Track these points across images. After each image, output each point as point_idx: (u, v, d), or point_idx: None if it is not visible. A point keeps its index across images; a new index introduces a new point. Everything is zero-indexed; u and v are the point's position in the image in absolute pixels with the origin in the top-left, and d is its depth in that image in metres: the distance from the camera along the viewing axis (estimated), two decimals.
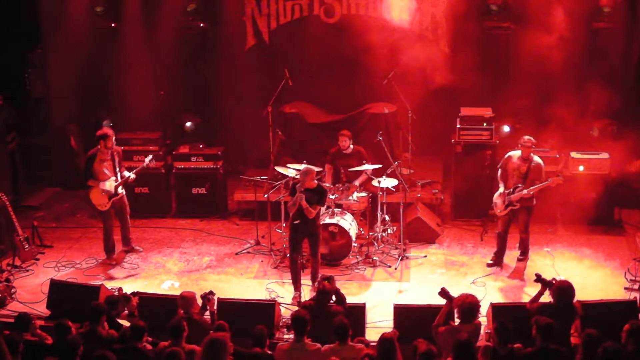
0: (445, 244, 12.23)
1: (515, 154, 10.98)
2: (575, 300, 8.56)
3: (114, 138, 11.42)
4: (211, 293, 9.05)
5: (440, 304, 8.61)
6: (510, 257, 11.34)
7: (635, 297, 9.92)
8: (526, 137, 10.89)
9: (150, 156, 11.93)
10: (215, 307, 9.10)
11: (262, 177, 12.19)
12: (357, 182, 11.80)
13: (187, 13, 14.15)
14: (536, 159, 10.90)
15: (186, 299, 8.79)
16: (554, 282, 8.68)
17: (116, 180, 11.38)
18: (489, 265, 11.30)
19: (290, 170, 11.63)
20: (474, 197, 12.57)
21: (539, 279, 8.82)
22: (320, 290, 8.94)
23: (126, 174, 11.48)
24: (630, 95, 13.26)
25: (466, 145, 12.81)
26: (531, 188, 10.70)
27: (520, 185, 10.80)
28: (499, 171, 11.16)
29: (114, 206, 11.50)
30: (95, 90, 14.24)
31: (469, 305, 8.21)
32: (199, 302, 8.96)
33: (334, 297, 9.05)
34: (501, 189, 11.02)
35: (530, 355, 7.66)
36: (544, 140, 12.71)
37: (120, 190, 11.48)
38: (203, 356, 7.32)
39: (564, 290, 8.46)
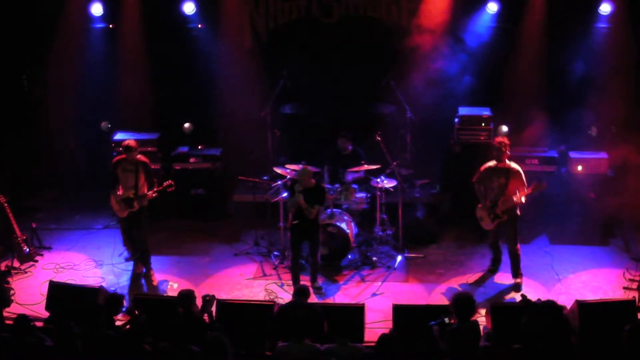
0: (444, 243, 12.23)
1: (491, 164, 10.65)
2: (566, 311, 8.51)
3: (137, 150, 11.06)
4: (213, 297, 9.04)
5: (439, 304, 8.59)
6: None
7: (634, 297, 9.93)
8: (498, 140, 10.61)
9: (171, 182, 11.23)
10: (213, 307, 9.08)
11: (260, 178, 12.18)
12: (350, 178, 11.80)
13: (186, 14, 14.14)
14: (513, 165, 10.54)
15: (185, 296, 8.80)
16: (539, 302, 8.49)
17: (133, 194, 11.04)
18: (490, 272, 11.17)
19: (289, 171, 11.63)
20: (473, 197, 12.53)
21: (524, 300, 8.65)
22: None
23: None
24: (629, 95, 13.25)
25: (465, 145, 12.81)
26: (519, 196, 10.36)
27: (502, 197, 10.46)
28: (476, 185, 10.81)
29: (132, 217, 11.17)
30: (93, 91, 14.22)
31: (464, 303, 8.18)
32: (199, 302, 8.96)
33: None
34: (483, 204, 10.74)
35: (528, 356, 7.65)
36: (542, 139, 12.74)
37: (138, 204, 11.01)
38: (204, 357, 7.29)
39: (550, 311, 8.25)
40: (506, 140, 10.63)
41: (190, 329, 8.00)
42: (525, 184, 10.47)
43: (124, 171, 11.07)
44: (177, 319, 8.25)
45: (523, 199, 10.44)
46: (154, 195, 11.05)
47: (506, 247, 10.84)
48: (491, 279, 11.06)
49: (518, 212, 10.61)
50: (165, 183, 11.16)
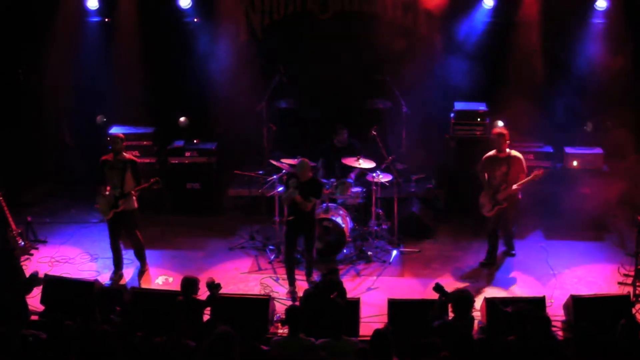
0: (439, 238, 12.24)
1: (491, 153, 10.92)
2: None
3: (120, 145, 10.77)
4: (218, 284, 9.08)
5: (434, 299, 8.61)
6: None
7: (628, 292, 9.96)
8: (497, 129, 10.90)
9: (157, 179, 11.05)
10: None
11: (256, 172, 12.18)
12: (352, 176, 11.82)
13: (181, 8, 14.12)
14: (514, 153, 10.84)
15: (190, 282, 8.87)
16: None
17: (120, 192, 10.71)
18: (482, 265, 11.23)
19: (285, 165, 11.64)
20: (468, 192, 12.57)
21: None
22: (326, 282, 8.94)
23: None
24: (625, 91, 13.27)
25: (460, 140, 12.82)
26: (518, 183, 10.68)
27: (504, 184, 10.75)
28: (480, 174, 11.06)
29: (118, 218, 10.87)
30: (89, 85, 14.20)
31: (463, 300, 8.22)
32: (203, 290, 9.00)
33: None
34: (487, 191, 10.99)
35: (523, 348, 7.66)
36: (538, 135, 12.75)
37: (123, 204, 10.72)
38: (210, 350, 7.16)
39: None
40: (503, 130, 10.85)
41: (189, 318, 8.00)
42: (526, 170, 10.75)
43: (111, 169, 10.79)
44: (176, 308, 8.23)
45: (516, 186, 10.66)
46: (137, 193, 10.81)
47: (501, 229, 11.14)
48: (485, 272, 11.07)
49: (519, 197, 10.91)
50: (151, 180, 10.93)
